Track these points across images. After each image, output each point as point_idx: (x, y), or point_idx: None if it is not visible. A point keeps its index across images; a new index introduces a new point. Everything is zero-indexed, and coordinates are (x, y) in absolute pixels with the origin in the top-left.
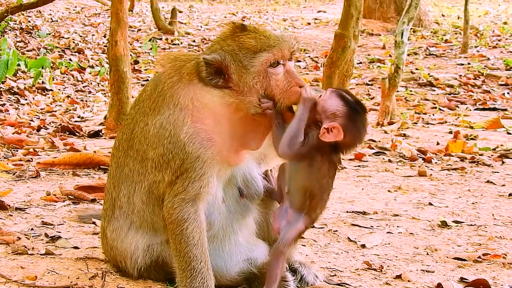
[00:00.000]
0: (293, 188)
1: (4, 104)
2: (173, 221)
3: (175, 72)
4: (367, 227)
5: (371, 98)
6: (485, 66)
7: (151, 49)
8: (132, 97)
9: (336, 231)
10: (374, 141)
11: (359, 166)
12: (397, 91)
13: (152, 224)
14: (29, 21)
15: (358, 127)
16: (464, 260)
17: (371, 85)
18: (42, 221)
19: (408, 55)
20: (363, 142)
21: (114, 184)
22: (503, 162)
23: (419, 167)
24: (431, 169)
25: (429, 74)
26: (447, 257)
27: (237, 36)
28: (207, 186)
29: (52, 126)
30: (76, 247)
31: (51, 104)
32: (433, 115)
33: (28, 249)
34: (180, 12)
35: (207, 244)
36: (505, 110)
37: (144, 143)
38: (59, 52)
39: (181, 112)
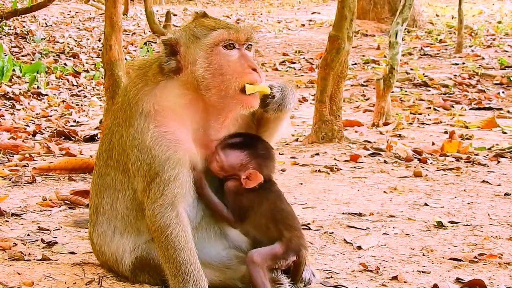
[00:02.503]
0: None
1: (0, 110)
2: (157, 228)
3: (139, 79)
4: (363, 229)
5: (366, 99)
6: (479, 65)
7: (147, 52)
8: None
9: (332, 233)
10: (369, 142)
11: (354, 167)
12: (392, 92)
13: (137, 227)
14: (24, 26)
15: (265, 156)
16: (460, 260)
17: (366, 86)
18: (38, 227)
19: (403, 55)
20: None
21: (96, 192)
22: (498, 162)
23: (415, 167)
24: (427, 170)
25: (424, 74)
26: (443, 257)
27: (198, 20)
28: (183, 186)
29: (48, 131)
30: (72, 252)
31: (47, 109)
32: (428, 115)
33: (25, 255)
34: (175, 15)
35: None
36: (500, 109)
37: (122, 154)
38: (54, 56)
39: (146, 119)
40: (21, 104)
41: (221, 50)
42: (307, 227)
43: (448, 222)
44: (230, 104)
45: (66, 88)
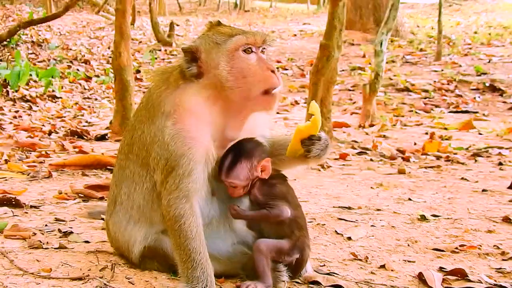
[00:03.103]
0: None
1: (18, 111)
2: (171, 217)
3: (162, 82)
4: (352, 221)
5: (353, 103)
6: (457, 72)
7: (150, 59)
8: (135, 103)
9: (324, 224)
10: (356, 142)
11: (343, 165)
12: (377, 96)
13: (150, 218)
14: (40, 35)
15: (256, 147)
16: (443, 251)
17: (353, 90)
18: (55, 218)
19: (387, 63)
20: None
21: (116, 183)
22: (476, 161)
23: (399, 165)
24: (410, 167)
25: (406, 80)
26: (427, 248)
27: (214, 28)
28: (197, 182)
29: (62, 131)
30: (87, 241)
31: (61, 110)
32: (410, 117)
33: (43, 244)
34: (178, 25)
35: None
36: (477, 112)
37: (143, 150)
38: (67, 63)
39: (167, 118)
40: (38, 106)
41: (241, 54)
42: None
43: (431, 215)
44: (251, 104)
45: (79, 92)
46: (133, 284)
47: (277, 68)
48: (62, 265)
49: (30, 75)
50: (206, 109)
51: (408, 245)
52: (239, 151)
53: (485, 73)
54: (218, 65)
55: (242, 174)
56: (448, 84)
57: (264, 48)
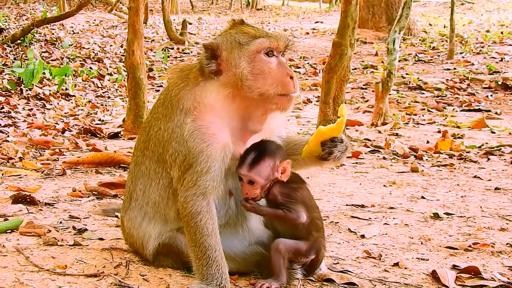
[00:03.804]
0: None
1: (32, 109)
2: (187, 214)
3: (181, 80)
4: (365, 219)
5: (366, 101)
6: (469, 70)
7: (163, 57)
8: (148, 101)
9: (337, 222)
10: (369, 140)
11: (356, 163)
12: (390, 94)
13: (165, 215)
14: (53, 33)
15: (278, 147)
16: (456, 249)
17: (365, 89)
18: (70, 215)
19: (399, 61)
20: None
21: (132, 179)
22: (488, 159)
23: (411, 163)
24: (423, 166)
25: (418, 78)
26: (440, 246)
27: (237, 27)
28: (215, 179)
29: (76, 129)
30: (101, 239)
31: (74, 108)
32: (423, 116)
33: (58, 241)
34: (190, 23)
35: (221, 235)
36: (489, 111)
37: (159, 146)
38: (80, 61)
39: (186, 115)
40: (51, 104)
41: (263, 57)
42: None
43: (444, 213)
44: (267, 104)
45: (92, 90)
46: (147, 281)
47: (289, 66)
48: (77, 262)
49: (44, 73)
50: (225, 106)
51: (422, 243)
52: (264, 149)
53: (497, 72)
54: (238, 65)
55: (264, 172)
56: (460, 82)
57: (285, 51)
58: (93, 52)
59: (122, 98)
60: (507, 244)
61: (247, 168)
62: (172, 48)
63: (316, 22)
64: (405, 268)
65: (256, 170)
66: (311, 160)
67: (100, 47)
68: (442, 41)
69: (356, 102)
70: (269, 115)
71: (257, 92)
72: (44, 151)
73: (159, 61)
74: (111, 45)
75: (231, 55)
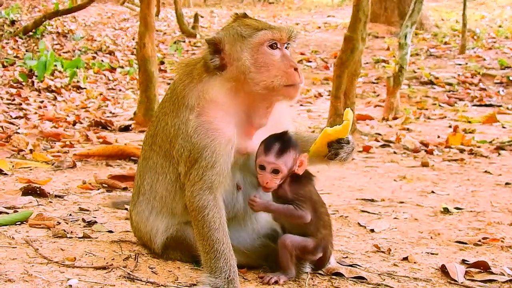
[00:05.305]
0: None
1: (43, 101)
2: (195, 208)
3: (186, 76)
4: (375, 213)
5: (377, 95)
6: (481, 66)
7: (176, 50)
8: (159, 94)
9: (347, 216)
10: (380, 134)
11: (367, 157)
12: (401, 89)
13: (172, 209)
14: (65, 26)
15: (294, 141)
16: (465, 243)
17: (377, 83)
18: (79, 207)
19: (411, 56)
20: None
21: (140, 173)
22: (499, 154)
23: (422, 158)
24: (433, 160)
25: (430, 73)
26: (450, 240)
27: (240, 20)
28: (221, 174)
29: (86, 121)
30: (110, 231)
31: (85, 101)
32: (434, 110)
33: (67, 233)
34: (202, 17)
35: (229, 229)
36: (500, 106)
37: (166, 141)
38: (92, 53)
39: (190, 112)
40: (62, 96)
41: (266, 49)
42: None
43: (454, 208)
44: (273, 95)
45: (103, 82)
46: (156, 274)
47: (301, 60)
48: (86, 254)
49: (55, 65)
50: (229, 100)
51: (431, 238)
52: (289, 139)
53: (509, 67)
54: (241, 58)
55: (289, 162)
56: (472, 77)
57: (288, 43)
58: (105, 44)
59: (133, 91)
60: None
61: (274, 156)
62: (184, 41)
63: (328, 16)
64: (414, 263)
65: (283, 159)
66: (317, 158)
67: (111, 39)
68: (454, 36)
69: (367, 97)
70: (273, 107)
71: (262, 85)
72: (55, 143)
73: (170, 54)
74: (122, 38)
75: (234, 48)
